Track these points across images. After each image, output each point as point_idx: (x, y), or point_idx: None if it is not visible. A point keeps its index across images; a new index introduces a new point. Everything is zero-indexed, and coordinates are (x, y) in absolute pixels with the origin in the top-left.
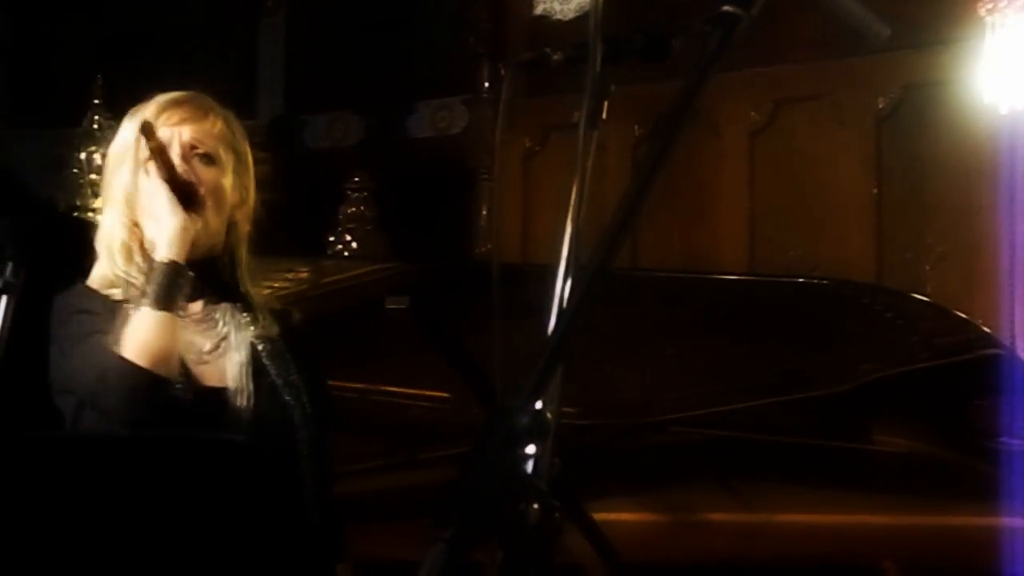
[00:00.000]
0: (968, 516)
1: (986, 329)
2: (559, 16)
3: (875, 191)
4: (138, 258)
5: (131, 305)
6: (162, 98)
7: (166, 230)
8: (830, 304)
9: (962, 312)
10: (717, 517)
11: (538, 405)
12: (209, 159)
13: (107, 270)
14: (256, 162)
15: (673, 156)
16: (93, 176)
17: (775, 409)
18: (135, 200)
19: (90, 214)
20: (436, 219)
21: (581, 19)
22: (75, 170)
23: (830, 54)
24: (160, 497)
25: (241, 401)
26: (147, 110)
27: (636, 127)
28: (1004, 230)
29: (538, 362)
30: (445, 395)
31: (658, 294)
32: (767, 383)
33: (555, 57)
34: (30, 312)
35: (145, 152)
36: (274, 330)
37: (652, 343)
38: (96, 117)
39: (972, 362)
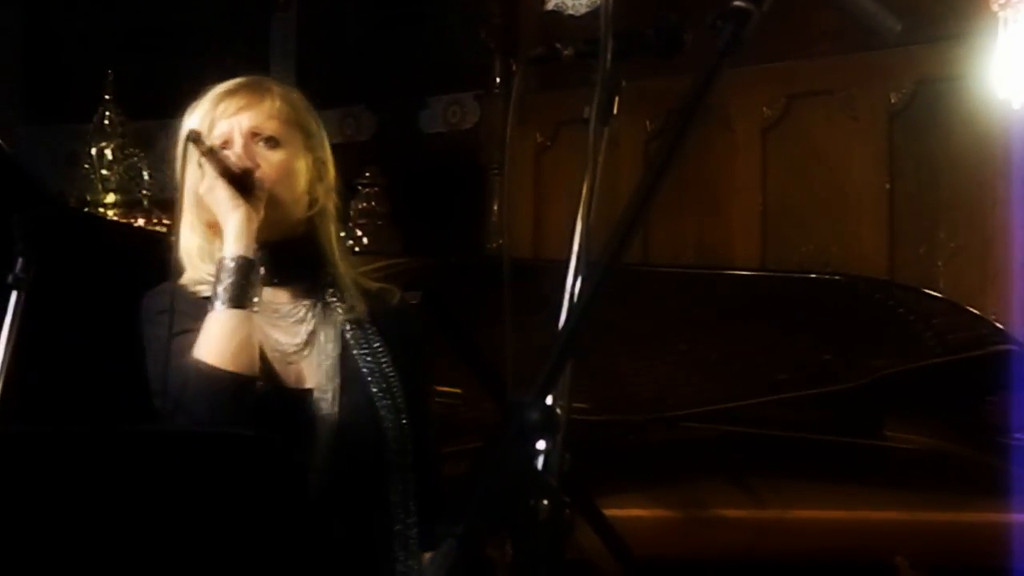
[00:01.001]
0: (981, 512)
1: (999, 325)
2: (571, 11)
3: (888, 186)
4: (217, 259)
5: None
6: (216, 90)
7: (231, 226)
8: (843, 300)
9: (975, 308)
10: (730, 513)
11: (549, 400)
12: (273, 142)
13: (191, 271)
14: (275, 117)
15: (685, 151)
16: (104, 171)
17: (788, 405)
18: (203, 199)
19: (101, 209)
20: (448, 214)
21: (593, 14)
22: (86, 165)
23: (843, 49)
24: (169, 492)
25: (327, 402)
26: (203, 104)
27: (648, 123)
28: (1017, 225)
29: (549, 357)
30: (457, 391)
31: (671, 290)
32: (779, 379)
33: (566, 52)
34: (40, 308)
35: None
36: (365, 313)
37: (665, 339)
38: (108, 113)
39: (985, 358)
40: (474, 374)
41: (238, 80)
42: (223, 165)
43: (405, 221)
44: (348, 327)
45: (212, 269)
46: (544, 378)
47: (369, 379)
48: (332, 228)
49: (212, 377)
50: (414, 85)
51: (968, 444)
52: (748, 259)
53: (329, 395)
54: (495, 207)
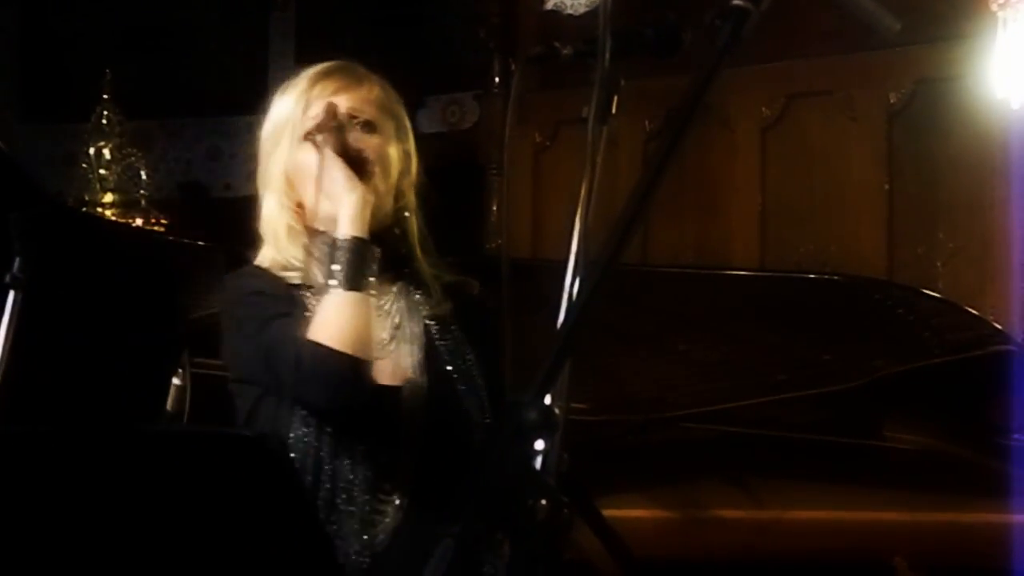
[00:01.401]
0: (980, 513)
1: (998, 325)
2: (570, 11)
3: (887, 187)
4: (304, 239)
5: (309, 292)
6: (312, 70)
7: (347, 206)
8: (842, 300)
9: (974, 308)
10: (729, 513)
11: (547, 400)
12: (370, 126)
13: (275, 254)
14: (370, 102)
15: (683, 151)
16: (102, 171)
17: (786, 405)
18: (296, 179)
19: (99, 209)
20: (447, 214)
21: (592, 13)
22: (84, 165)
23: (842, 49)
24: (165, 492)
25: (416, 399)
26: (299, 84)
27: (647, 122)
28: (1016, 226)
29: (547, 357)
30: None
31: (670, 290)
32: (778, 379)
33: (565, 52)
34: (38, 307)
35: (303, 129)
36: (448, 307)
37: (664, 339)
38: (106, 112)
39: (984, 358)
40: None
41: (332, 63)
42: (343, 143)
43: None
44: (431, 322)
45: (299, 252)
46: (542, 378)
47: (455, 376)
48: (415, 221)
49: (330, 360)
50: (413, 84)
51: (967, 445)
52: (747, 259)
53: (419, 391)
54: (494, 207)
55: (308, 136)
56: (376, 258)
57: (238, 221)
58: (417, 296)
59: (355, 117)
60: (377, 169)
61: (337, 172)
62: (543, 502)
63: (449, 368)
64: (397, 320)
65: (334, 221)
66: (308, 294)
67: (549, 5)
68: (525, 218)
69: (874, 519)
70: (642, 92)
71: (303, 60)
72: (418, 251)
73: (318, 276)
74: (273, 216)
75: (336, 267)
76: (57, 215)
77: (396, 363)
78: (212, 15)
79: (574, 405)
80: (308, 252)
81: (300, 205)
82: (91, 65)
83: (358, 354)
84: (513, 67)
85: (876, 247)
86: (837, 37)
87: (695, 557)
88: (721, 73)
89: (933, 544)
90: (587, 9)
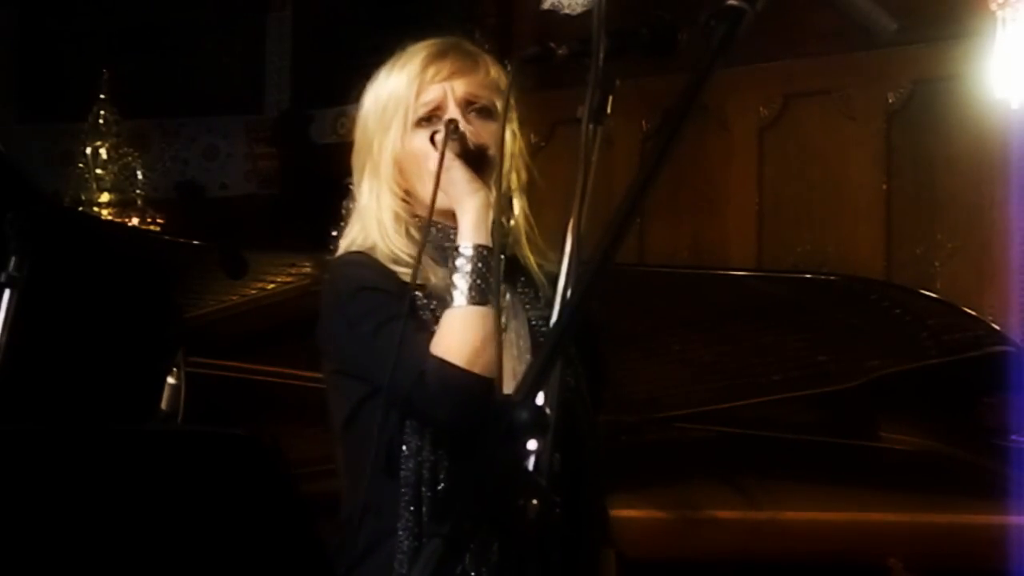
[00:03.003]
0: (976, 514)
1: (996, 326)
2: (567, 10)
3: (885, 186)
4: (413, 231)
5: (420, 292)
6: (425, 50)
7: (470, 212)
8: (839, 300)
9: (972, 309)
10: (723, 514)
11: (539, 400)
12: (487, 113)
13: (382, 242)
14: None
15: (677, 151)
16: (99, 171)
17: (782, 406)
18: (407, 166)
19: (95, 209)
20: None
21: (590, 13)
22: (81, 164)
23: (840, 48)
24: (160, 490)
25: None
26: (411, 64)
27: (644, 122)
28: (1015, 226)
29: (538, 356)
30: None
31: (666, 290)
32: (774, 379)
33: (560, 52)
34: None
35: (416, 115)
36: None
37: (660, 339)
38: (102, 112)
39: (982, 359)
40: None
41: (445, 40)
42: (464, 144)
43: None
44: (538, 322)
45: (406, 244)
46: (534, 376)
47: (568, 395)
48: (524, 208)
49: (458, 379)
50: None
51: (963, 446)
52: (744, 259)
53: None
54: None
55: (421, 123)
56: (502, 266)
57: (234, 221)
58: (524, 291)
59: (472, 103)
60: (496, 159)
61: (458, 174)
62: (534, 502)
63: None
64: (504, 321)
65: (451, 214)
66: (420, 294)
67: (546, 5)
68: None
69: (870, 520)
70: (639, 92)
71: (300, 60)
72: (524, 244)
73: (431, 275)
74: (380, 203)
75: (460, 278)
76: (53, 214)
77: (501, 365)
78: (209, 15)
79: None
80: (417, 243)
81: (408, 192)
82: (88, 65)
83: (485, 373)
84: (509, 67)
85: (874, 247)
86: (835, 37)
87: (690, 557)
88: (716, 73)
89: (928, 545)
90: (584, 9)
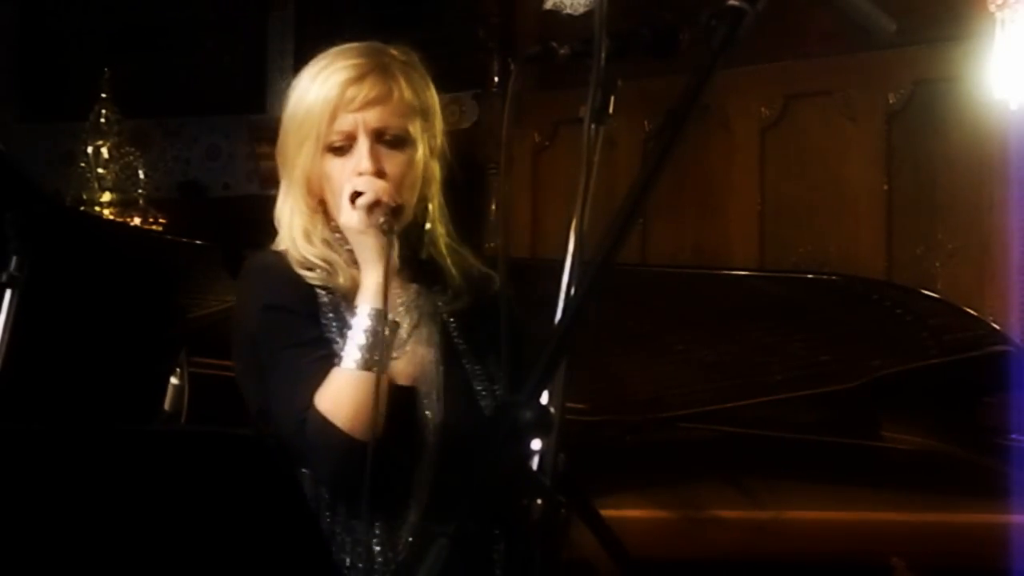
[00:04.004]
0: (977, 513)
1: (996, 326)
2: (569, 10)
3: (885, 187)
4: (324, 236)
5: (327, 295)
6: (345, 72)
7: (372, 277)
8: (840, 300)
9: (973, 308)
10: (726, 514)
11: (543, 400)
12: (398, 142)
13: (292, 250)
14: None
15: (679, 151)
16: (100, 170)
17: (784, 405)
18: (318, 186)
19: (97, 208)
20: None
21: (592, 13)
22: (82, 164)
23: (840, 50)
24: (163, 491)
25: (431, 402)
26: (328, 85)
27: (646, 122)
28: (1015, 227)
29: (542, 356)
30: None
31: (668, 290)
32: (776, 379)
33: (561, 52)
34: (35, 306)
35: (328, 141)
36: (466, 302)
37: (662, 339)
38: (104, 111)
39: (982, 359)
40: None
41: (363, 59)
42: (390, 222)
43: None
44: (451, 319)
45: (317, 251)
46: (538, 377)
47: (473, 377)
48: (437, 207)
49: (332, 438)
50: None
51: (964, 445)
52: (746, 259)
53: (433, 394)
54: (493, 206)
55: (333, 149)
56: (396, 329)
57: (237, 221)
58: (437, 289)
59: (382, 134)
60: (403, 183)
61: (371, 241)
62: (539, 502)
63: (467, 368)
64: (415, 318)
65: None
66: (326, 299)
67: (548, 5)
68: (524, 218)
69: (871, 519)
70: (641, 92)
71: (302, 59)
72: (440, 244)
73: (340, 275)
74: (291, 211)
75: (353, 339)
76: (55, 214)
77: (411, 363)
78: (211, 14)
79: (572, 405)
80: (330, 248)
81: (321, 202)
82: (89, 64)
83: (361, 437)
84: (512, 67)
85: (875, 247)
86: (836, 38)
87: (692, 557)
88: (717, 74)
89: (930, 544)
90: (586, 9)
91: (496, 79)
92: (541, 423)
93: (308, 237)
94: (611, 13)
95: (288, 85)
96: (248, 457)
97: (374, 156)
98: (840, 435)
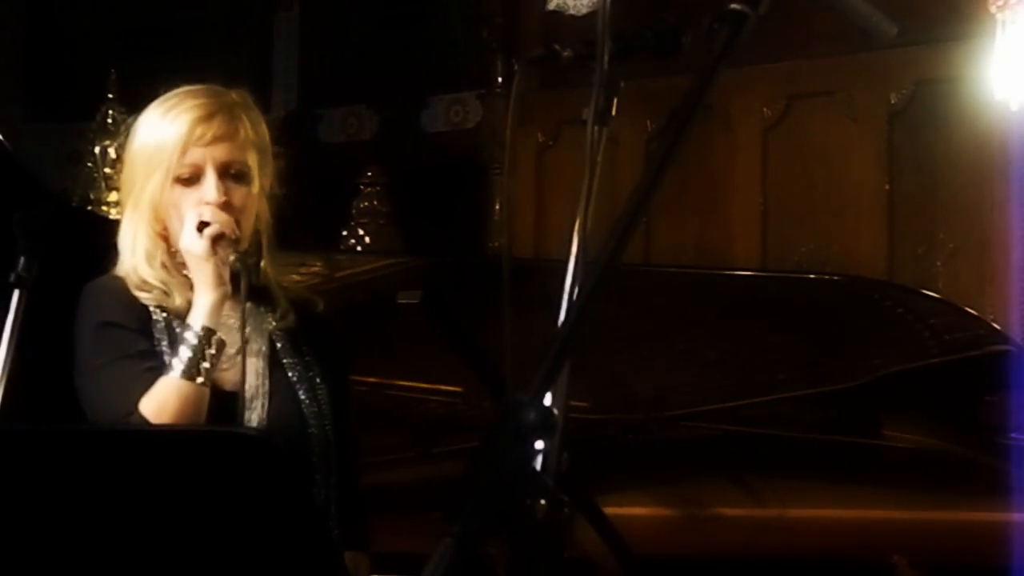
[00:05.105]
0: (978, 512)
1: (997, 325)
2: (573, 11)
3: (887, 187)
4: (163, 260)
5: (162, 314)
6: (195, 111)
7: (207, 301)
8: (841, 300)
9: (973, 308)
10: (728, 512)
11: (547, 400)
12: (242, 176)
13: (131, 273)
14: (248, 148)
15: (682, 152)
16: (107, 170)
17: (786, 405)
18: (163, 213)
19: (104, 208)
20: (450, 214)
21: (595, 14)
22: (89, 164)
23: (842, 50)
24: (166, 491)
25: (256, 407)
26: (179, 120)
27: (649, 122)
28: (1016, 226)
29: (546, 357)
30: (457, 389)
31: (671, 290)
32: (778, 378)
33: (565, 53)
34: (42, 306)
35: (177, 172)
36: (293, 321)
37: (665, 338)
38: (110, 111)
39: (983, 358)
40: (475, 373)
41: (210, 100)
42: (227, 253)
43: (407, 220)
44: (278, 337)
45: (156, 274)
46: (542, 377)
47: (297, 386)
48: (267, 240)
49: None
50: (416, 84)
51: (965, 444)
52: (748, 259)
53: (259, 400)
54: (497, 206)
55: (181, 181)
56: (223, 347)
57: None
58: (265, 308)
59: (228, 168)
60: (242, 215)
61: (210, 269)
62: (542, 502)
63: (293, 378)
64: (248, 333)
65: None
66: (160, 318)
67: (551, 6)
68: (528, 218)
69: (873, 518)
70: (644, 92)
71: (307, 60)
72: (270, 274)
73: (176, 296)
74: (132, 236)
75: (183, 352)
76: (61, 214)
77: (239, 372)
78: (217, 15)
79: (575, 404)
80: (168, 272)
81: (165, 229)
82: (96, 64)
83: None
84: (516, 68)
85: (876, 247)
86: (838, 38)
87: (695, 555)
88: (720, 75)
89: (932, 542)
90: (589, 10)
91: (500, 80)
92: (545, 424)
93: (150, 260)
94: (614, 14)
95: (293, 85)
96: (254, 457)
97: (221, 188)
98: (842, 434)
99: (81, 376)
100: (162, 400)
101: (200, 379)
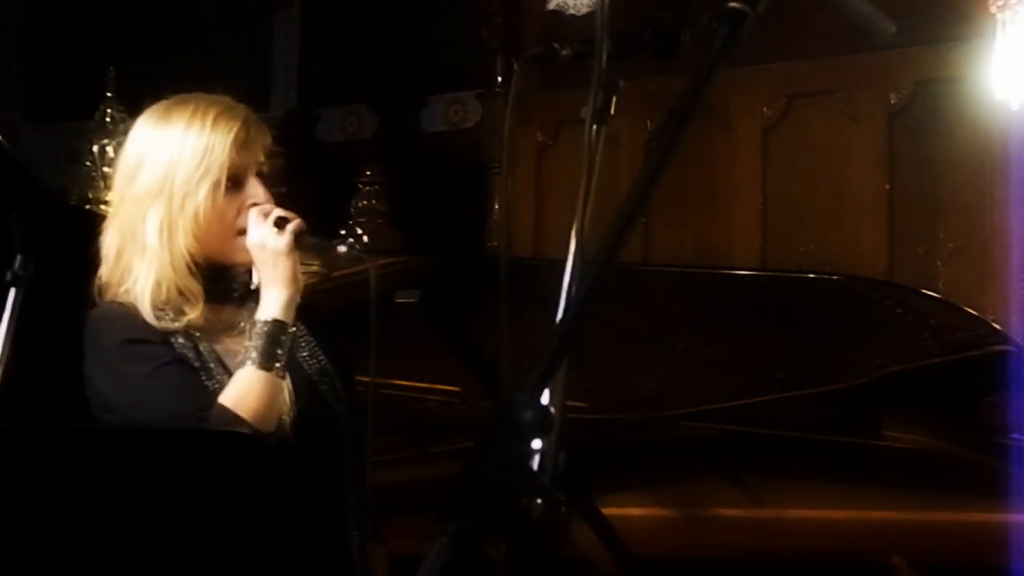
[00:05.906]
0: (978, 512)
1: (997, 325)
2: (572, 11)
3: (887, 187)
4: (175, 283)
5: (182, 339)
6: (227, 119)
7: (287, 295)
8: (841, 300)
9: (973, 308)
10: (727, 512)
11: (544, 399)
12: (266, 177)
13: (141, 301)
14: (270, 155)
15: (681, 151)
16: (106, 169)
17: (786, 404)
18: (207, 219)
19: (103, 207)
20: (449, 213)
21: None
22: (88, 163)
23: (843, 50)
24: (160, 489)
25: (284, 398)
26: (218, 126)
27: (649, 122)
28: (1016, 226)
29: (543, 356)
30: (455, 389)
31: (670, 289)
32: (778, 378)
33: (564, 52)
34: (39, 304)
35: (231, 178)
36: (300, 323)
37: (664, 338)
38: (109, 110)
39: (983, 358)
40: (472, 373)
41: (229, 105)
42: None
43: (406, 220)
44: (311, 360)
45: (187, 282)
46: (538, 376)
47: (315, 378)
48: None
49: (235, 426)
50: (415, 84)
51: (965, 444)
52: (748, 258)
53: (284, 394)
54: (496, 206)
55: (229, 188)
56: (292, 338)
57: None
58: (300, 336)
59: (262, 172)
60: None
61: (289, 264)
62: (539, 501)
63: (308, 372)
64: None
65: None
66: (181, 340)
67: (551, 5)
68: (527, 217)
69: (873, 518)
70: (644, 91)
71: (307, 59)
72: None
73: (192, 314)
74: (172, 246)
75: (257, 344)
76: (60, 213)
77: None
78: (216, 13)
79: (573, 404)
80: (181, 293)
81: (198, 239)
82: (95, 63)
83: (261, 428)
84: (515, 67)
85: (876, 247)
86: (838, 38)
87: (693, 556)
88: (720, 74)
89: (932, 543)
90: (589, 10)
91: (500, 79)
92: (542, 423)
93: (159, 286)
94: (613, 14)
95: (293, 84)
96: (248, 455)
97: (266, 190)
98: (841, 434)
99: (122, 390)
100: (243, 392)
101: (278, 365)
